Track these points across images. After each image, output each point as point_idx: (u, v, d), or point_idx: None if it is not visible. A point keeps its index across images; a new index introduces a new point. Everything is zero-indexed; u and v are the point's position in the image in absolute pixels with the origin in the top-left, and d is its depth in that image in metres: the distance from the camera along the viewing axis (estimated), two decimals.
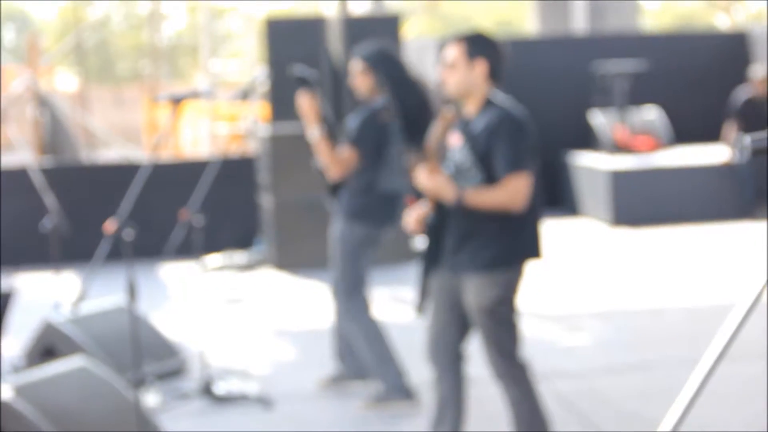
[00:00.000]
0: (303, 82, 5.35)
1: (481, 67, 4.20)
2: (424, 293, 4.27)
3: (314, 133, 5.31)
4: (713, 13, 37.49)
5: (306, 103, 5.33)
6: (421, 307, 4.29)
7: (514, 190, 4.09)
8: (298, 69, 5.45)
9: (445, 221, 4.21)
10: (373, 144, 5.37)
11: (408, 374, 5.47)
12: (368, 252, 5.48)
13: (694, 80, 13.48)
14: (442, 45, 4.33)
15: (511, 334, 4.24)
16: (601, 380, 5.85)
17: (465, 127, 4.22)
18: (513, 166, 4.09)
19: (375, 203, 5.45)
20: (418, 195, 4.42)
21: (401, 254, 9.18)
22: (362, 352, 5.45)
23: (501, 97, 4.26)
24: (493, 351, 4.24)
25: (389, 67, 5.46)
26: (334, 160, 5.31)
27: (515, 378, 4.26)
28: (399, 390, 5.38)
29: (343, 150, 5.35)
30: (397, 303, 7.84)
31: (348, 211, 5.43)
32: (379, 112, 5.40)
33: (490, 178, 4.13)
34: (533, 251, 4.24)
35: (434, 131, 4.11)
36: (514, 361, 4.25)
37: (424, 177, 4.15)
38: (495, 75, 4.24)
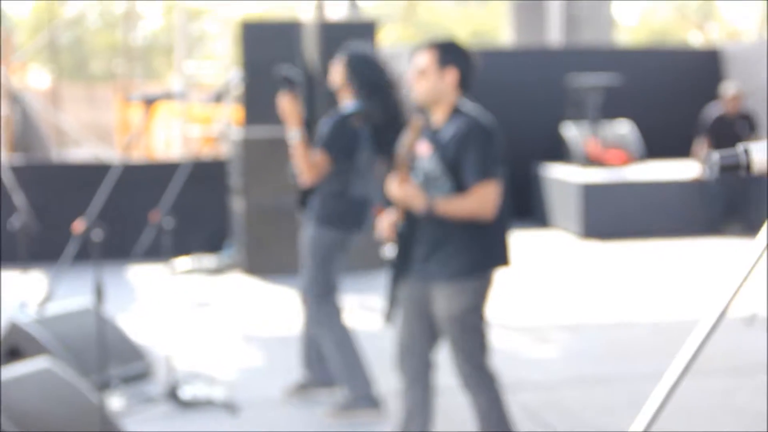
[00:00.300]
0: (287, 83, 5.32)
1: (451, 76, 4.20)
2: (393, 302, 4.27)
3: (294, 135, 5.29)
4: (688, 29, 37.76)
5: (288, 104, 5.30)
6: (390, 316, 4.29)
7: (483, 198, 4.09)
8: (284, 69, 5.42)
9: (415, 229, 4.21)
10: (343, 149, 5.36)
11: (375, 383, 5.46)
12: (339, 257, 5.47)
13: (667, 96, 13.57)
14: (414, 53, 4.32)
15: (479, 342, 4.24)
16: (567, 392, 5.86)
17: (433, 135, 4.22)
18: (481, 175, 4.10)
19: (345, 208, 5.44)
20: (386, 203, 4.42)
21: (371, 262, 9.17)
22: (331, 359, 5.43)
23: (469, 106, 4.26)
24: (462, 360, 4.24)
25: (367, 73, 5.45)
26: (308, 164, 5.29)
27: (483, 387, 4.26)
28: (365, 399, 5.37)
29: (315, 154, 5.34)
30: (366, 311, 7.83)
31: (319, 217, 5.42)
32: (350, 117, 5.40)
33: (459, 186, 4.14)
34: (502, 259, 4.25)
35: (404, 140, 4.11)
36: (483, 370, 4.26)
37: (394, 186, 4.15)
38: (464, 84, 4.24)
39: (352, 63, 5.44)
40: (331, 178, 5.39)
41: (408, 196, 4.12)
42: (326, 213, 5.40)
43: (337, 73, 5.48)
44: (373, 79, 5.44)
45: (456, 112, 4.22)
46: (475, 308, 4.20)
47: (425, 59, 4.21)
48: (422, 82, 4.21)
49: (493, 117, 4.28)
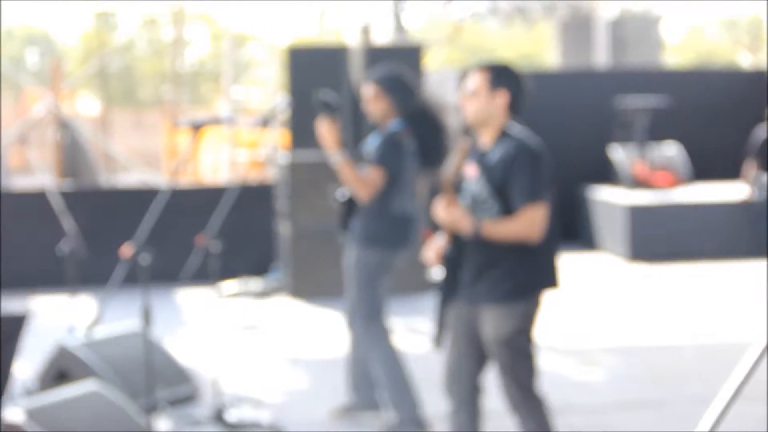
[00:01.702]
0: (327, 107, 5.34)
1: (502, 98, 4.21)
2: (441, 325, 4.26)
3: (336, 157, 5.30)
4: (736, 50, 37.48)
5: (326, 128, 5.32)
6: (438, 340, 4.28)
7: (530, 221, 4.09)
8: (323, 93, 5.45)
9: (463, 252, 4.20)
10: (394, 164, 5.37)
11: (423, 406, 5.44)
12: (384, 278, 5.46)
13: (715, 117, 13.45)
14: (463, 75, 4.33)
15: (528, 365, 4.23)
16: (615, 416, 5.82)
17: (481, 158, 4.22)
18: (529, 197, 4.10)
19: (389, 227, 5.43)
20: (433, 227, 4.42)
21: (417, 284, 9.16)
22: (379, 380, 5.42)
23: (517, 129, 4.26)
24: (510, 383, 4.22)
25: (402, 91, 5.47)
26: (360, 182, 5.29)
27: (532, 411, 4.24)
28: (413, 421, 5.35)
29: (368, 171, 5.33)
30: (413, 333, 7.82)
31: (362, 237, 5.41)
32: (397, 134, 5.40)
33: (506, 209, 4.14)
34: (550, 282, 4.24)
35: (451, 162, 4.12)
36: (531, 393, 4.24)
37: (441, 209, 4.15)
38: (515, 107, 4.25)
39: (385, 85, 5.45)
40: (376, 196, 5.39)
41: (455, 219, 4.11)
42: (369, 233, 5.39)
43: (371, 104, 5.48)
44: (409, 96, 5.46)
45: (504, 135, 4.22)
46: (523, 331, 4.19)
47: (477, 80, 4.22)
48: (473, 103, 4.21)
49: (540, 139, 4.28)
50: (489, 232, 4.09)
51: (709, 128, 13.39)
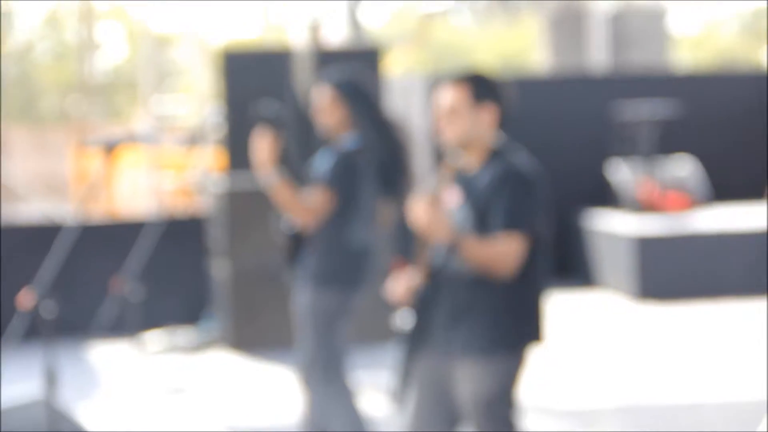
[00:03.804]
0: (269, 124, 5.33)
1: (489, 113, 4.25)
2: (405, 378, 4.26)
3: (272, 177, 5.29)
4: (760, 49, 37.85)
5: (265, 143, 5.31)
6: (399, 396, 4.28)
7: (504, 251, 4.13)
8: (264, 108, 5.43)
9: (438, 294, 4.21)
10: (349, 188, 5.38)
11: None
12: (343, 323, 5.45)
13: (737, 128, 13.56)
14: (432, 83, 4.37)
15: None
16: None
17: (466, 183, 4.25)
18: (510, 224, 4.14)
19: (346, 262, 5.43)
20: (405, 256, 4.43)
21: (380, 331, 9.15)
22: None
23: (510, 148, 4.29)
24: None
25: (363, 100, 5.50)
26: (299, 207, 5.30)
27: None
28: None
29: (313, 193, 5.33)
30: (377, 391, 7.82)
31: (316, 276, 5.41)
32: (352, 154, 5.42)
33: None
34: (536, 333, 4.26)
35: (438, 178, 4.13)
36: None
37: (421, 208, 4.15)
38: (501, 122, 4.30)
39: (344, 92, 5.47)
40: (328, 225, 5.40)
41: (435, 222, 4.11)
42: (323, 271, 5.39)
43: (326, 112, 5.49)
44: (370, 107, 5.48)
45: (494, 155, 4.25)
46: (504, 393, 4.22)
47: (455, 95, 4.24)
48: (454, 123, 4.24)
49: (534, 161, 4.32)
50: (468, 247, 4.10)
51: (730, 141, 13.49)
